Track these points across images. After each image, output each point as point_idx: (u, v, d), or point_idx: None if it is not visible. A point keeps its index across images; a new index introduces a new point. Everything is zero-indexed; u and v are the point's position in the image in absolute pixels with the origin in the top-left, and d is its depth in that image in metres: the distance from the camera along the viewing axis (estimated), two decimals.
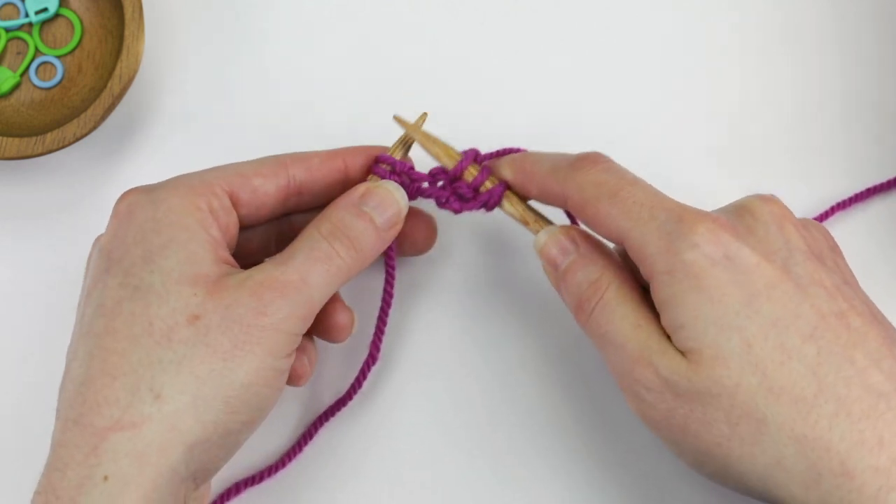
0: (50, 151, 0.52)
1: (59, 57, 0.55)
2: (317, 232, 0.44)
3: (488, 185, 0.47)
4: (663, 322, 0.42)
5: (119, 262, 0.42)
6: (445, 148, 0.48)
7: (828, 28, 0.56)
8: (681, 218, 0.42)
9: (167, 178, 0.49)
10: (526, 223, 0.47)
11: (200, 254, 0.42)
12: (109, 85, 0.52)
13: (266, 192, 0.45)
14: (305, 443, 0.51)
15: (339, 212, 0.45)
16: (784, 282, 0.41)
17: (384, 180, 0.47)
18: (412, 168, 0.48)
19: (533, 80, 0.56)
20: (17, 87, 0.55)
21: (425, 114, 0.49)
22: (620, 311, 0.43)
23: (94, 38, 0.55)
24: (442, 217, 0.51)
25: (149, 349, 0.41)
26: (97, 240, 0.45)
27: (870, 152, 0.54)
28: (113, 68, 0.53)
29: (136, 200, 0.44)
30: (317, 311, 0.44)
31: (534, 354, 0.52)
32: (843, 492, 0.38)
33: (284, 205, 0.47)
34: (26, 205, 0.55)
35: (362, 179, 0.47)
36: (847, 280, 0.43)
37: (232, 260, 0.44)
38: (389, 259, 0.49)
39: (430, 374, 0.52)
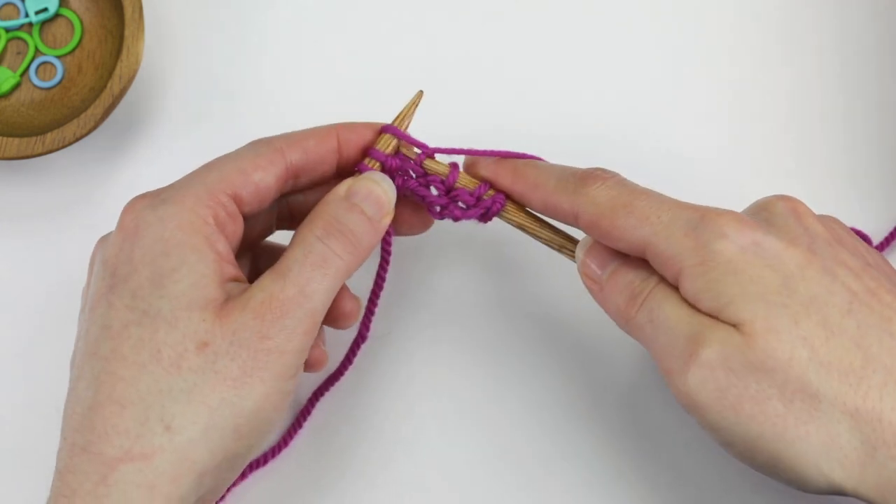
0: (50, 151, 0.52)
1: (59, 57, 0.55)
2: (311, 234, 0.43)
3: (491, 192, 0.48)
4: (705, 308, 0.42)
5: (125, 281, 0.42)
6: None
7: (828, 29, 0.56)
8: (703, 215, 0.42)
9: (167, 178, 0.49)
10: (524, 229, 0.48)
11: (209, 276, 0.42)
12: (109, 85, 0.52)
13: (268, 186, 0.45)
14: (304, 419, 0.51)
15: (329, 208, 0.44)
16: (813, 262, 0.41)
17: (368, 172, 0.46)
18: (403, 164, 0.48)
19: (531, 81, 0.56)
20: (17, 87, 0.55)
21: (421, 92, 0.48)
22: (671, 301, 0.43)
23: (94, 38, 0.55)
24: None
25: (157, 377, 0.40)
26: (101, 245, 0.45)
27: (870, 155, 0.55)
28: (113, 68, 0.53)
29: (143, 217, 0.43)
30: (321, 318, 0.43)
31: (528, 328, 0.53)
32: None
33: (282, 190, 0.46)
34: (26, 205, 0.55)
35: (357, 157, 0.47)
36: (869, 262, 0.43)
37: (239, 273, 0.44)
38: (386, 244, 0.49)
39: (420, 348, 0.53)
